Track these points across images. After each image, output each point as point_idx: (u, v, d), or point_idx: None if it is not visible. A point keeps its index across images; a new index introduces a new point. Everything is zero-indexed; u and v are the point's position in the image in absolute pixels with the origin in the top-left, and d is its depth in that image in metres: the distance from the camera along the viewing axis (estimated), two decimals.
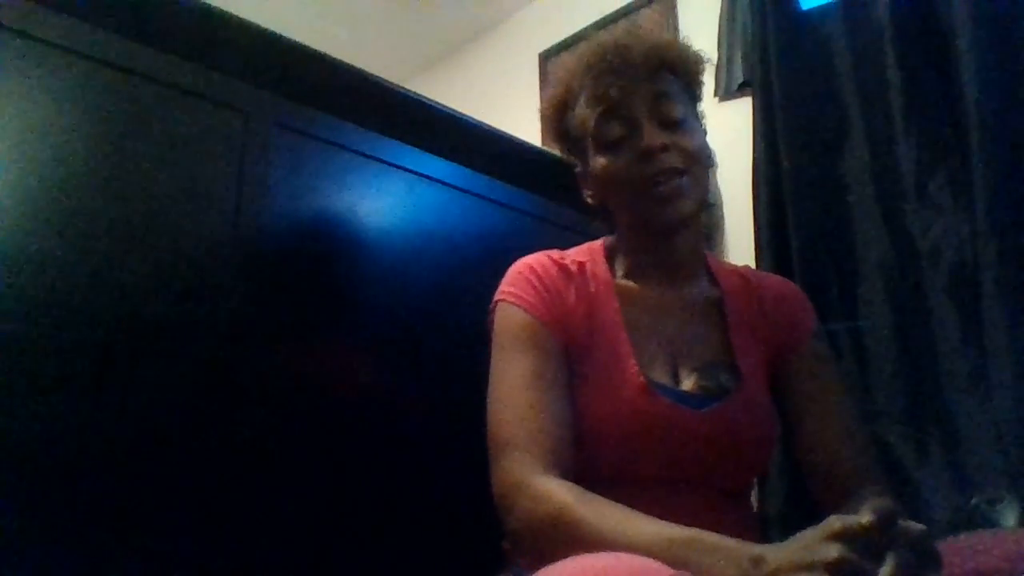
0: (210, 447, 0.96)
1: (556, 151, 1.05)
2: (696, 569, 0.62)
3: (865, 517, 0.58)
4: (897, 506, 0.59)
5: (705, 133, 0.98)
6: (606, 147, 0.91)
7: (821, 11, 1.75)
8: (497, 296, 0.93)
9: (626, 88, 0.89)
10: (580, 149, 0.96)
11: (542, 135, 2.96)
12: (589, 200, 0.99)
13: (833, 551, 0.56)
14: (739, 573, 0.61)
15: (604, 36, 0.94)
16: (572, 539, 0.70)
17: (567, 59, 0.97)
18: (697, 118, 0.96)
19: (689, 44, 0.97)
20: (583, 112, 0.92)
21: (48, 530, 0.84)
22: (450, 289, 1.24)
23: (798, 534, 0.61)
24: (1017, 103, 1.40)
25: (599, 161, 0.92)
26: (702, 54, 0.98)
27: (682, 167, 0.88)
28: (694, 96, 0.97)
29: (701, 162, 0.91)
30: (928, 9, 1.56)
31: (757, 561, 0.61)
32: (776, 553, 0.60)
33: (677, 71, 0.93)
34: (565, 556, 0.61)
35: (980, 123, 1.41)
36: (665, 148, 0.87)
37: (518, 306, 0.90)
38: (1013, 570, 0.65)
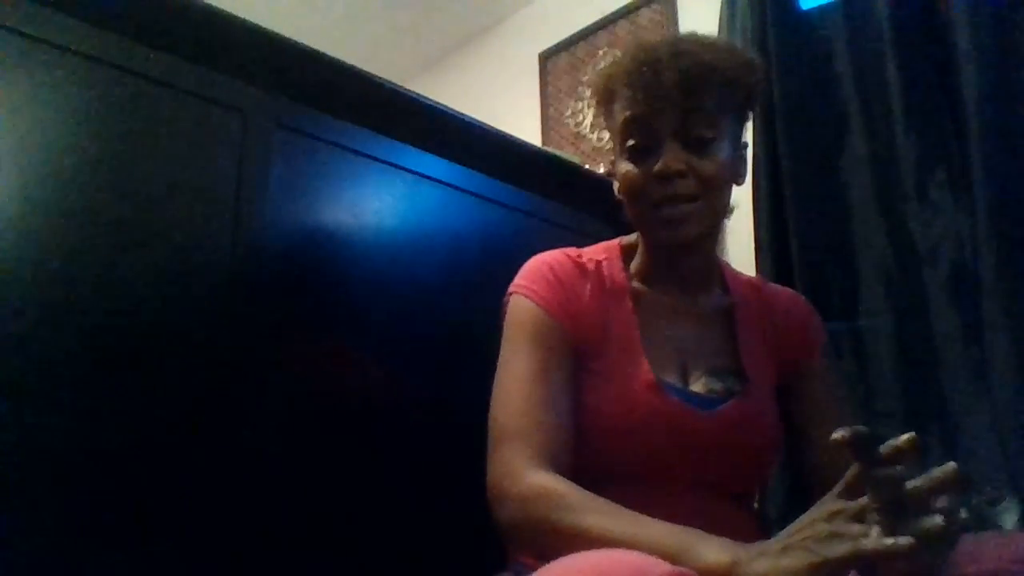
0: (209, 448, 0.96)
1: (556, 151, 1.05)
2: (689, 556, 0.63)
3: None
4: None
5: (745, 146, 0.96)
6: (629, 155, 0.90)
7: (821, 11, 1.75)
8: (511, 288, 0.93)
9: (653, 105, 0.87)
10: (615, 143, 0.95)
11: (542, 135, 2.97)
12: (616, 193, 0.97)
13: (826, 527, 0.58)
14: (732, 557, 0.62)
15: (650, 40, 0.92)
16: (560, 531, 0.70)
17: (630, 45, 0.95)
18: (734, 130, 0.93)
19: (739, 51, 0.94)
20: (617, 112, 0.92)
21: (46, 531, 0.84)
22: (450, 289, 1.24)
23: (787, 527, 0.62)
24: (1017, 103, 1.40)
25: (622, 166, 0.91)
26: (754, 61, 0.94)
27: (695, 194, 0.86)
28: (739, 106, 0.93)
29: (719, 187, 0.89)
30: (928, 9, 1.56)
31: (750, 548, 0.62)
32: (769, 543, 0.62)
33: (722, 86, 0.89)
34: (553, 548, 0.62)
35: (980, 123, 1.41)
36: (682, 174, 0.86)
37: (530, 299, 0.90)
38: (1013, 572, 0.66)
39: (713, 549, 0.64)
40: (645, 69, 0.87)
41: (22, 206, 0.87)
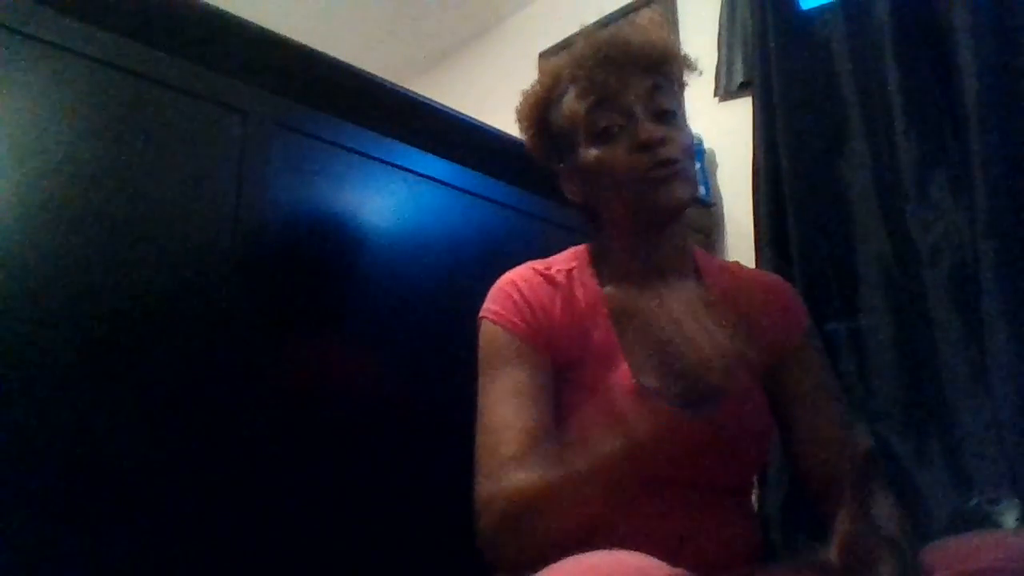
0: (208, 446, 0.96)
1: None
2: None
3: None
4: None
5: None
6: (599, 138, 0.89)
7: (821, 11, 1.75)
8: (481, 314, 0.92)
9: (622, 79, 0.88)
10: (567, 144, 0.94)
11: None
12: (572, 197, 0.97)
13: None
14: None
15: (598, 33, 0.94)
16: (545, 503, 0.73)
17: (552, 61, 0.97)
18: (683, 106, 0.96)
19: (678, 44, 0.98)
20: (573, 105, 0.91)
21: (46, 528, 0.84)
22: (450, 289, 1.24)
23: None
24: (1017, 103, 1.40)
25: (591, 153, 0.90)
26: (690, 57, 0.98)
27: (679, 158, 0.88)
28: (680, 94, 0.97)
29: (692, 156, 0.91)
30: (928, 9, 1.56)
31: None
32: None
33: (671, 68, 0.93)
34: (543, 532, 0.62)
35: (980, 123, 1.41)
36: (663, 141, 0.87)
37: (500, 324, 0.89)
38: (1012, 570, 0.66)
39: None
40: (607, 48, 0.90)
41: (22, 205, 0.87)
